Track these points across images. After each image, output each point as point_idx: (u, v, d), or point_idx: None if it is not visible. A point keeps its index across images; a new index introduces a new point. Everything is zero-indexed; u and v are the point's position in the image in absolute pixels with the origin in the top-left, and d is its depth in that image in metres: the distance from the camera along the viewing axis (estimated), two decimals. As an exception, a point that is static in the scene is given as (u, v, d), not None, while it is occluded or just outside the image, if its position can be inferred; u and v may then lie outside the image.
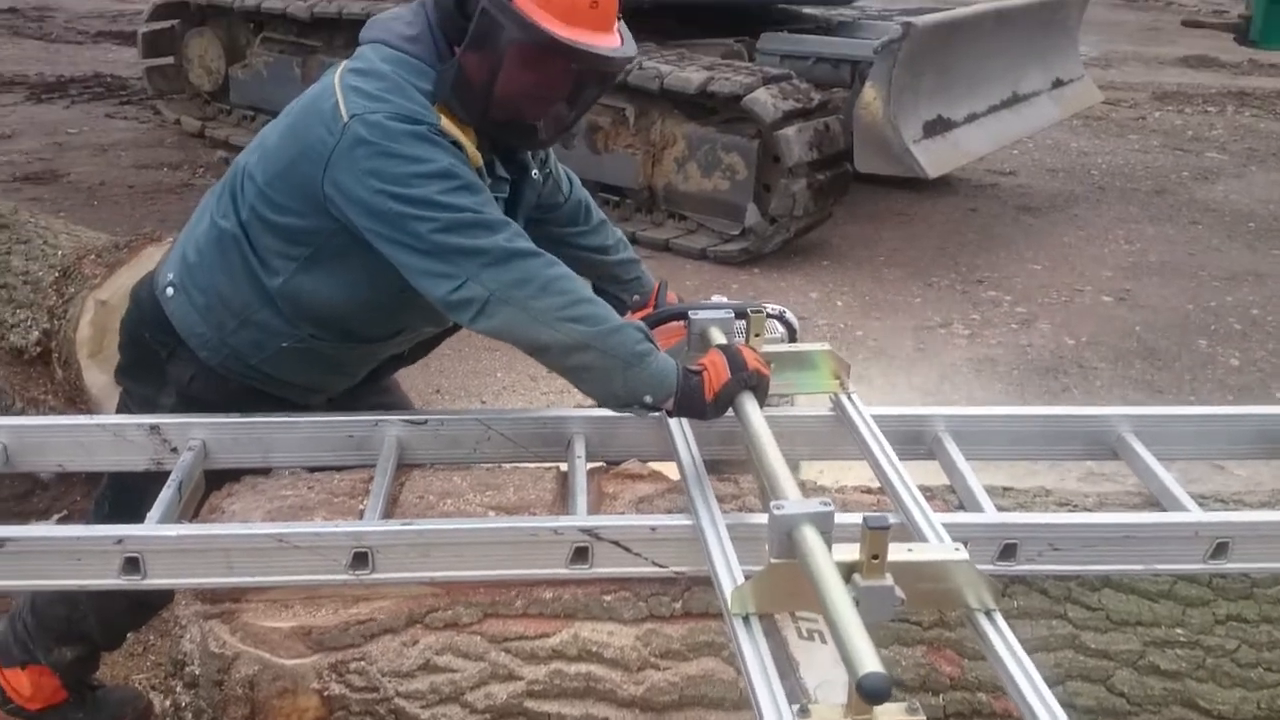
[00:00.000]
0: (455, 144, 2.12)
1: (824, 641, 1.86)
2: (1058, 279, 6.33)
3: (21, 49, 11.00)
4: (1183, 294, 6.17)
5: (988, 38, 6.43)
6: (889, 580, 1.54)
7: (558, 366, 2.10)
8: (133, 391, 2.41)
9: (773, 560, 1.65)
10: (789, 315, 2.56)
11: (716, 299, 2.48)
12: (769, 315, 2.50)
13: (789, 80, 6.12)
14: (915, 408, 2.34)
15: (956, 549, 1.71)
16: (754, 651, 1.63)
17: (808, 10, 7.64)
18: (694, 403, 2.08)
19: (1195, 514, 1.99)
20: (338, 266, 2.17)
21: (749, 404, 2.06)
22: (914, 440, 2.28)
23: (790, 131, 5.82)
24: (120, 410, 2.43)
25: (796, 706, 1.58)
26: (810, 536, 1.59)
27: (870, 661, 1.39)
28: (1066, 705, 1.89)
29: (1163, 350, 5.37)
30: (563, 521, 1.91)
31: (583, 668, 1.88)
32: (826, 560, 1.55)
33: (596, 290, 2.71)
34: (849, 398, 2.32)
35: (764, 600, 1.68)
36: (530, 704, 1.88)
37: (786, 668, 1.85)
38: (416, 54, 2.18)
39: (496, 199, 2.25)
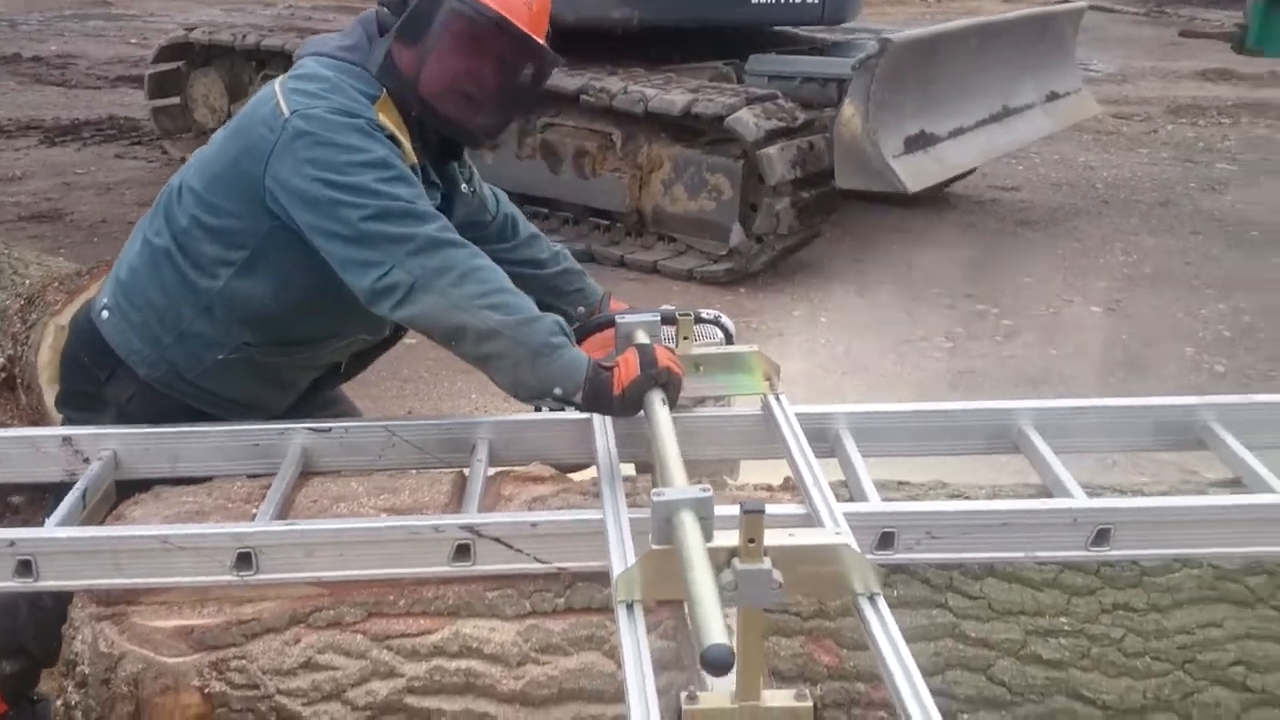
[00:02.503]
0: (392, 139, 2.20)
1: (732, 636, 1.88)
2: (1048, 291, 6.32)
3: (42, 95, 11.25)
4: (1175, 303, 6.14)
5: (973, 53, 6.45)
6: (767, 564, 1.56)
7: (471, 355, 2.14)
8: (74, 420, 2.45)
9: (654, 546, 1.68)
10: (725, 320, 2.59)
11: (664, 309, 2.51)
12: (704, 320, 2.54)
13: (774, 100, 6.17)
14: (820, 405, 2.34)
15: (837, 533, 1.73)
16: (632, 638, 1.64)
17: (801, 32, 7.69)
18: (602, 397, 2.11)
19: (1073, 500, 1.99)
20: (274, 267, 2.24)
21: (657, 400, 2.08)
22: (818, 437, 2.29)
23: (773, 151, 5.86)
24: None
25: (686, 693, 1.62)
26: (687, 521, 1.61)
27: (715, 634, 1.40)
28: (945, 694, 1.91)
29: (1146, 359, 5.34)
30: (444, 520, 1.94)
31: (463, 664, 1.90)
32: (697, 542, 1.56)
33: (540, 305, 2.77)
34: (777, 399, 2.34)
35: (647, 586, 1.69)
36: (410, 700, 1.90)
37: (689, 658, 1.87)
38: (354, 60, 2.28)
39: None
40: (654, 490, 1.67)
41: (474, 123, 2.36)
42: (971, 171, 8.15)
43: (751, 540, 1.55)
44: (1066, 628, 1.96)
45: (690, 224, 6.28)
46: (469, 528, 1.92)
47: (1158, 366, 5.24)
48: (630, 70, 6.51)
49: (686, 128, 6.19)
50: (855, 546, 1.68)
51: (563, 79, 6.32)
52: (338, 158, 2.11)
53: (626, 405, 2.09)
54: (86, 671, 1.89)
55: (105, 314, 2.32)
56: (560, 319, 2.17)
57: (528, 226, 2.77)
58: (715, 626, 1.41)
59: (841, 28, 7.79)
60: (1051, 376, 5.15)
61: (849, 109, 5.66)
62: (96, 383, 2.34)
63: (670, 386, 2.11)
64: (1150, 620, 1.98)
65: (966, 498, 2.09)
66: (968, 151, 6.44)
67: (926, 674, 1.88)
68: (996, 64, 6.73)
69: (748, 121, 5.85)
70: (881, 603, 1.70)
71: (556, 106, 6.48)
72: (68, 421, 2.44)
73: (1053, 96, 7.40)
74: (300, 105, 2.16)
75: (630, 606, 1.69)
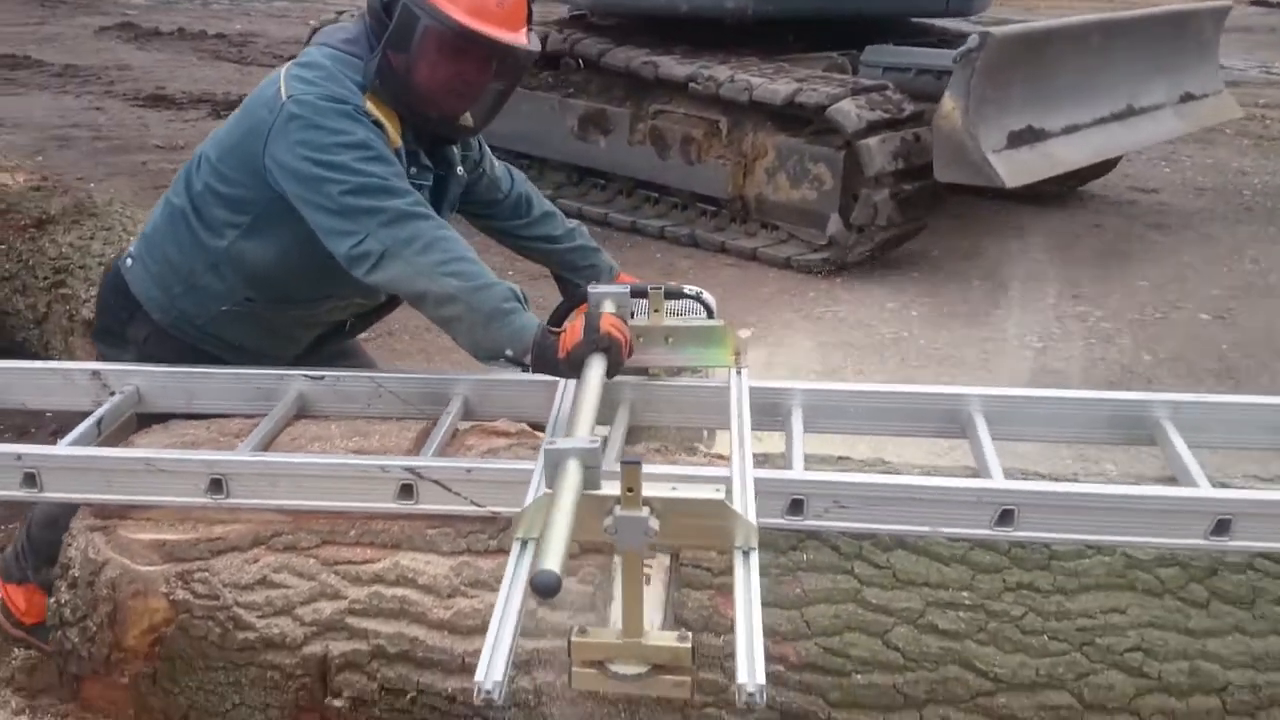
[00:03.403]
0: (377, 124, 2.44)
1: (648, 585, 2.02)
2: (1160, 296, 6.16)
3: (218, 71, 11.97)
4: (1289, 316, 5.91)
5: (1095, 50, 6.31)
6: (645, 512, 1.71)
7: (434, 317, 2.36)
8: (105, 353, 2.78)
9: (545, 489, 1.84)
10: (706, 296, 2.70)
11: (639, 284, 2.65)
12: (686, 296, 2.67)
13: (881, 91, 6.18)
14: (779, 381, 2.45)
15: (716, 490, 1.85)
16: (514, 573, 1.82)
17: (933, 23, 7.64)
18: (548, 360, 2.29)
19: (979, 481, 2.06)
20: (273, 233, 2.50)
21: (595, 363, 2.24)
22: (774, 411, 2.41)
23: (873, 142, 5.88)
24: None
25: (576, 628, 1.80)
26: (571, 468, 1.77)
27: (548, 562, 1.56)
28: (840, 654, 2.02)
29: (1242, 369, 5.18)
30: (390, 460, 2.15)
31: (399, 591, 2.10)
32: (572, 485, 1.72)
33: (556, 278, 2.97)
34: (739, 372, 2.46)
35: (536, 526, 1.86)
36: (351, 620, 2.11)
37: (602, 602, 2.03)
38: (352, 52, 2.52)
39: (420, 187, 2.54)
40: (546, 439, 1.83)
41: (463, 116, 2.60)
42: (1109, 170, 7.97)
43: (630, 490, 1.70)
44: (967, 602, 2.04)
45: (792, 212, 6.35)
46: (411, 470, 2.12)
47: (1251, 378, 5.08)
48: (743, 60, 6.60)
49: (792, 117, 6.24)
50: (727, 503, 1.80)
51: (673, 67, 6.48)
52: (324, 139, 2.36)
53: (571, 367, 2.25)
54: (76, 574, 2.16)
55: (130, 262, 2.63)
56: (515, 287, 2.34)
57: (542, 204, 2.96)
58: (552, 557, 1.57)
59: (976, 19, 7.72)
60: (1135, 381, 5.05)
61: (948, 102, 5.63)
62: (120, 322, 2.65)
63: (612, 351, 2.26)
64: (1053, 601, 2.04)
65: (884, 472, 2.17)
66: (1082, 149, 6.31)
67: (824, 634, 2.03)
68: (1123, 62, 6.56)
69: (849, 112, 5.88)
70: (754, 558, 1.83)
71: (668, 94, 6.64)
72: (100, 355, 2.75)
73: (1187, 97, 7.16)
74: (296, 91, 2.41)
75: (525, 544, 1.85)
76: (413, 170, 2.55)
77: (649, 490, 1.73)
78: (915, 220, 6.32)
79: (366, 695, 2.12)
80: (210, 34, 13.83)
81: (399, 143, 2.50)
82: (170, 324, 2.61)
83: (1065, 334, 5.63)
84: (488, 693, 1.58)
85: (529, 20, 2.55)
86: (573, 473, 1.75)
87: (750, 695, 1.59)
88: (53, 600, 2.19)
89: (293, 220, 2.42)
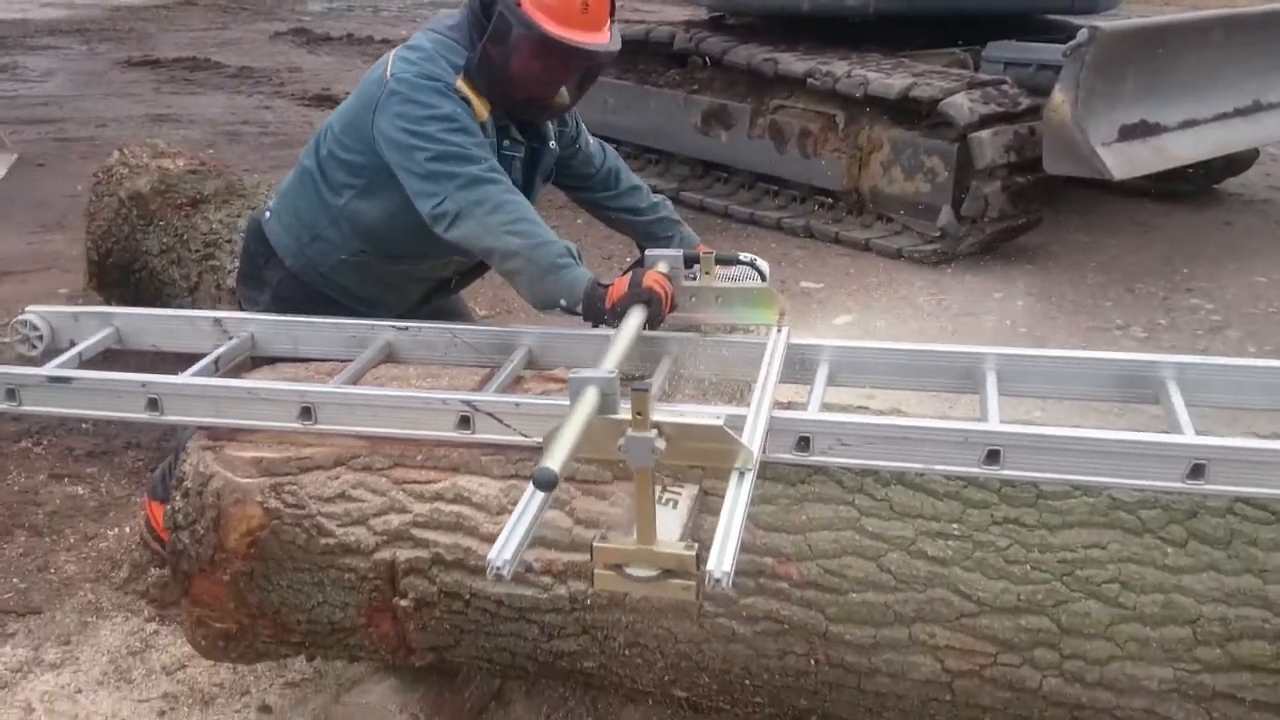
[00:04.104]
0: (464, 100, 2.78)
1: (674, 508, 2.28)
2: (1277, 292, 6.10)
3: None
4: None
5: (1216, 45, 6.29)
6: (652, 434, 1.97)
7: (500, 269, 2.73)
8: (245, 294, 3.22)
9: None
10: (759, 263, 2.92)
11: (724, 252, 2.88)
12: (741, 262, 2.91)
13: (997, 86, 6.29)
14: (812, 339, 2.67)
15: (716, 418, 2.10)
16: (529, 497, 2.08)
17: (1061, 19, 7.66)
18: (596, 310, 2.61)
19: (967, 422, 2.25)
20: (382, 195, 2.88)
21: (635, 313, 2.53)
22: (801, 367, 2.64)
23: (984, 135, 6.00)
24: None
25: (599, 535, 2.08)
26: (589, 393, 2.04)
27: (551, 461, 1.84)
28: (838, 575, 2.24)
29: (1351, 362, 5.12)
30: (450, 394, 2.45)
31: (456, 508, 2.40)
32: (587, 406, 2.00)
33: (640, 249, 3.27)
34: (779, 330, 2.70)
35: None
36: (415, 531, 2.41)
37: (628, 523, 2.30)
38: (454, 38, 2.89)
39: (511, 158, 2.90)
40: (572, 370, 2.11)
41: (552, 101, 2.93)
42: (1246, 167, 7.85)
43: (639, 413, 1.97)
44: (956, 533, 2.23)
45: (906, 204, 6.49)
46: (468, 403, 2.42)
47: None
48: (864, 56, 6.77)
49: (908, 111, 6.40)
50: (724, 428, 2.05)
51: (792, 63, 6.69)
52: (416, 111, 2.72)
53: (615, 316, 2.54)
54: (188, 485, 2.52)
55: (268, 214, 3.10)
56: (571, 245, 2.65)
57: (630, 179, 3.27)
58: (553, 458, 1.85)
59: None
60: (1236, 371, 5.05)
61: (1058, 96, 5.71)
62: (257, 267, 3.10)
63: (652, 304, 2.53)
64: (1037, 535, 2.21)
65: (881, 414, 2.38)
66: (1199, 144, 6.28)
67: (825, 556, 2.26)
68: (1249, 57, 6.50)
69: (961, 105, 6.01)
70: (748, 479, 2.08)
71: (787, 89, 6.85)
72: (241, 296, 3.21)
73: (1323, 94, 7.03)
74: (398, 70, 2.78)
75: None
76: (505, 143, 2.91)
77: (658, 416, 1.99)
78: (1029, 213, 6.40)
79: (428, 598, 2.42)
80: (377, 39, 14.57)
81: (484, 116, 2.83)
82: (299, 269, 3.04)
83: (1171, 325, 5.65)
84: (498, 569, 1.86)
85: (613, 14, 2.85)
86: (589, 396, 2.02)
87: (717, 580, 1.83)
88: (168, 507, 2.56)
89: (398, 185, 2.79)
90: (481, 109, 2.81)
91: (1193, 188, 7.69)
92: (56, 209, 7.32)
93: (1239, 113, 6.52)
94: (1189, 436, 2.21)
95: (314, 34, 15.36)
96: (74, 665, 3.10)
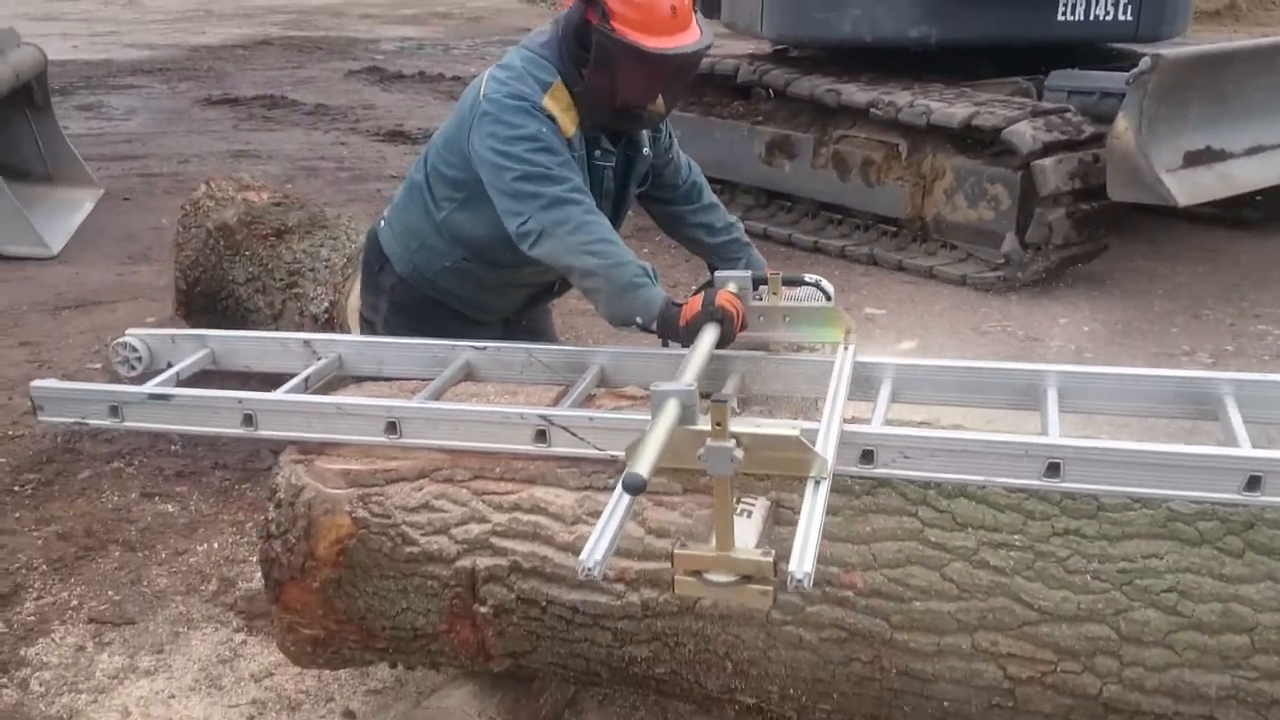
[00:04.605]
0: (551, 118, 2.92)
1: (749, 518, 2.37)
2: (1350, 319, 6.07)
3: (450, 109, 12.87)
4: None
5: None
6: (730, 444, 2.07)
7: (580, 287, 2.89)
8: (365, 302, 3.44)
9: (652, 426, 2.22)
10: (824, 284, 3.03)
11: (789, 274, 2.99)
12: (806, 284, 3.00)
13: (1061, 114, 6.33)
14: (876, 357, 2.76)
15: (792, 429, 2.20)
16: (616, 500, 2.20)
17: (1124, 47, 7.69)
18: (670, 327, 2.74)
19: (1027, 436, 2.32)
20: (479, 208, 3.03)
21: (708, 330, 2.65)
22: (866, 384, 2.73)
23: (1048, 162, 6.04)
24: (361, 323, 3.51)
25: (678, 543, 2.19)
26: (670, 404, 2.15)
27: (639, 467, 1.95)
28: (902, 584, 2.32)
29: None
30: (527, 409, 2.57)
31: (533, 518, 2.51)
32: (668, 418, 2.11)
33: (710, 269, 3.39)
34: (845, 349, 2.80)
35: (645, 458, 2.23)
36: (494, 540, 2.53)
37: (702, 531, 2.39)
38: (545, 55, 3.03)
39: (603, 168, 3.06)
40: (654, 383, 2.22)
41: (653, 111, 3.04)
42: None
43: (718, 424, 2.07)
44: (1018, 543, 2.30)
45: (969, 231, 6.54)
46: (544, 418, 2.54)
47: None
48: (927, 86, 6.85)
49: (970, 140, 6.46)
50: (800, 439, 2.14)
51: (854, 93, 6.79)
52: (504, 131, 2.87)
53: (689, 334, 2.65)
54: (281, 497, 2.66)
55: (382, 224, 3.32)
56: (647, 264, 2.78)
57: (710, 196, 3.42)
58: (641, 464, 1.96)
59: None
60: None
61: (1122, 123, 5.75)
62: (374, 273, 3.32)
63: (725, 322, 2.64)
64: (1097, 546, 2.28)
65: (944, 428, 2.46)
66: (1266, 170, 6.28)
67: (889, 566, 2.34)
68: (1320, 83, 6.50)
69: (1024, 133, 6.06)
70: (824, 487, 2.17)
71: (850, 119, 6.95)
72: (362, 301, 3.44)
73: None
74: (490, 90, 2.94)
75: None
76: (596, 154, 3.07)
77: (736, 427, 2.09)
78: (1094, 240, 6.42)
79: (506, 604, 2.54)
80: (448, 76, 14.88)
81: (571, 132, 2.96)
82: (409, 275, 3.24)
83: (1238, 351, 5.65)
84: (589, 569, 1.96)
85: (695, 8, 2.98)
86: (671, 408, 2.13)
87: (799, 581, 1.93)
88: (262, 518, 2.70)
89: (491, 200, 2.93)
90: (569, 125, 2.94)
91: (1261, 214, 7.65)
92: (143, 241, 7.61)
93: (1310, 140, 6.50)
94: (1246, 450, 2.26)
95: (387, 72, 15.71)
96: (167, 672, 3.26)
